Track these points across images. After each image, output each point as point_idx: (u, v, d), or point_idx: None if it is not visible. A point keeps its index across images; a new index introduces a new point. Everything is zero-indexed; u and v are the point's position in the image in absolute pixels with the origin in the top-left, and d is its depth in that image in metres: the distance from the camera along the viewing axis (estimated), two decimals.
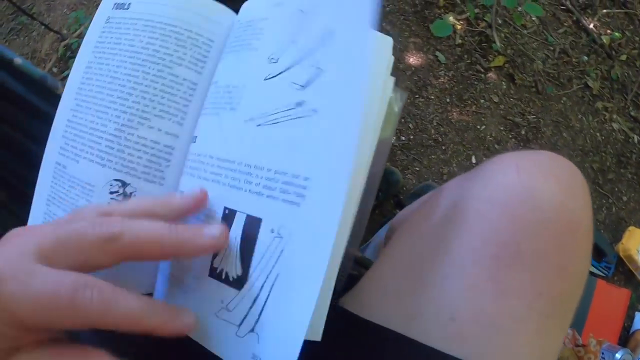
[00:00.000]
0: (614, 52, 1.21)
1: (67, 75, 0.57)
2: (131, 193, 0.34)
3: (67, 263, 0.24)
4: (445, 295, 0.31)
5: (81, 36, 1.35)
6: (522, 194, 0.31)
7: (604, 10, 1.24)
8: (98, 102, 0.36)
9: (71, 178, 0.36)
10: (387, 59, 0.31)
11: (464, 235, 0.32)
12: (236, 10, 0.38)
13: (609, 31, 1.23)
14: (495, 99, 1.10)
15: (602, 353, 0.88)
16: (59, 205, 0.36)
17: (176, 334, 0.25)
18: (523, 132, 1.09)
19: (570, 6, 1.23)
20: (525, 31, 1.18)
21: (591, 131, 1.12)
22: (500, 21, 1.18)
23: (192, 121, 0.36)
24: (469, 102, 1.09)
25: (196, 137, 0.34)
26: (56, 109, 0.54)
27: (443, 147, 1.05)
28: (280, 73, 0.30)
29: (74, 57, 0.57)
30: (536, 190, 0.31)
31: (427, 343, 0.30)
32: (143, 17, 0.37)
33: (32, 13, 1.43)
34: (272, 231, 0.27)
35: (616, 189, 1.08)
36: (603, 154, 1.11)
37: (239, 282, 0.28)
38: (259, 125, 0.30)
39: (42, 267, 0.23)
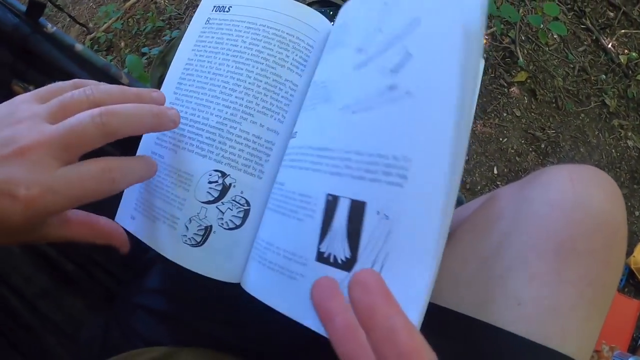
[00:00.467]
0: (630, 72, 1.25)
1: None
2: (230, 184, 0.36)
3: (78, 154, 0.30)
4: (512, 284, 0.35)
5: (108, 30, 1.36)
6: (576, 200, 0.36)
7: (622, 31, 1.29)
8: (199, 96, 0.38)
9: (167, 167, 0.38)
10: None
11: (526, 232, 0.37)
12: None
13: (626, 51, 1.27)
14: (518, 113, 1.14)
15: (614, 359, 0.93)
16: (152, 192, 0.38)
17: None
18: (543, 146, 1.13)
19: (590, 25, 1.27)
20: (547, 48, 1.22)
21: (607, 147, 1.17)
22: (523, 37, 1.22)
23: (291, 120, 0.37)
24: (492, 115, 1.13)
25: (296, 132, 0.36)
26: None
27: (466, 158, 1.08)
28: (369, 61, 0.31)
29: (101, 50, 0.58)
30: (588, 198, 0.36)
31: (497, 325, 0.34)
32: (245, 20, 0.39)
33: (58, 4, 1.44)
34: (378, 213, 0.27)
35: (629, 204, 1.13)
36: (617, 169, 1.15)
37: (348, 264, 0.28)
38: (354, 112, 0.31)
39: (64, 171, 0.29)
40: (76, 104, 0.31)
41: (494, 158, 1.10)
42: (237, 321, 0.46)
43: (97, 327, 0.52)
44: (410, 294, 0.26)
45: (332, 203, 0.30)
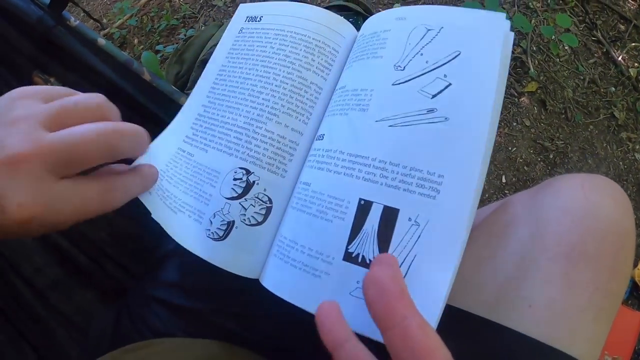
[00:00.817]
0: None
1: None
2: (254, 181, 0.37)
3: (78, 171, 0.28)
4: (524, 286, 0.36)
5: (122, 27, 1.37)
6: (588, 207, 0.37)
7: (633, 44, 1.29)
8: (230, 99, 0.39)
9: (197, 165, 0.39)
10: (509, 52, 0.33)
11: (539, 237, 0.37)
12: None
13: (636, 64, 1.27)
14: (527, 123, 1.15)
15: None
16: (176, 185, 0.39)
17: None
18: (551, 156, 1.13)
19: (601, 38, 1.27)
20: (558, 59, 1.23)
21: (614, 160, 1.17)
22: (534, 48, 1.22)
23: (315, 121, 0.38)
24: (502, 124, 1.14)
25: (323, 135, 0.37)
26: (143, 93, 0.56)
27: None
28: (408, 80, 0.34)
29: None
30: (599, 205, 0.37)
31: (507, 326, 0.35)
32: (274, 27, 0.41)
33: None
34: (410, 219, 0.30)
35: (635, 216, 1.13)
36: (624, 182, 1.15)
37: None
38: (391, 126, 0.33)
39: (63, 188, 0.26)
40: (80, 112, 0.28)
41: (503, 167, 1.10)
42: (251, 315, 0.46)
43: (107, 319, 0.53)
44: (432, 294, 0.29)
45: (364, 207, 0.32)
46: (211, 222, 0.37)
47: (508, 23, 0.32)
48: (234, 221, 0.36)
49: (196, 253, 0.37)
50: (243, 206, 0.37)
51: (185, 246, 0.37)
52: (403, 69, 0.34)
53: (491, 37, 0.32)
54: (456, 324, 0.37)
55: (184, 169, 0.39)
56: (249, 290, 0.38)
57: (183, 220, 0.38)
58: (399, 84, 0.34)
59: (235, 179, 0.37)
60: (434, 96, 0.32)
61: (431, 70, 0.33)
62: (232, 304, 0.47)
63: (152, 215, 0.38)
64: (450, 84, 0.32)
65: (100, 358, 0.39)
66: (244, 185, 0.37)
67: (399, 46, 0.35)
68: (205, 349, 0.44)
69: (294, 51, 0.39)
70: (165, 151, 0.41)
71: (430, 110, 0.32)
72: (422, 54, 0.34)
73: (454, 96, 0.32)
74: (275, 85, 0.38)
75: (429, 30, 0.34)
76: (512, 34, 0.32)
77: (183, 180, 0.39)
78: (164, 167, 0.40)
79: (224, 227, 0.37)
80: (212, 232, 0.37)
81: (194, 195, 0.38)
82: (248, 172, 0.37)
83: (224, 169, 0.37)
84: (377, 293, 0.23)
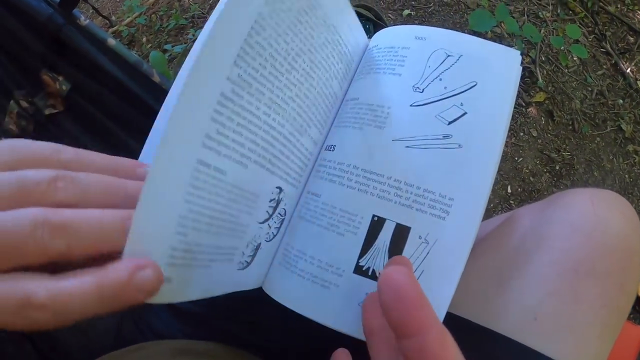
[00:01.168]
0: None
1: None
2: (281, 199, 0.33)
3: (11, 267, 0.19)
4: (529, 299, 0.36)
5: (131, 25, 1.37)
6: (597, 222, 0.37)
7: None
8: (275, 91, 0.28)
9: (233, 189, 0.26)
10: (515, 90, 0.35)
11: (546, 250, 0.38)
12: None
13: None
14: (534, 133, 1.15)
15: None
16: (208, 231, 0.25)
17: None
18: (557, 168, 1.13)
19: (610, 49, 1.27)
20: (566, 70, 1.22)
21: (620, 173, 1.16)
22: (543, 58, 1.22)
23: (327, 131, 0.36)
24: (509, 133, 1.13)
25: (334, 146, 0.36)
26: (152, 96, 0.55)
27: None
28: (426, 104, 0.34)
29: (122, 44, 0.57)
30: (608, 221, 0.37)
31: (512, 338, 0.35)
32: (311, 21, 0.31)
33: None
34: (420, 237, 0.32)
35: None
36: (630, 195, 1.15)
37: None
38: (408, 147, 0.33)
39: None
40: (42, 195, 0.20)
41: (509, 177, 1.10)
42: (253, 320, 0.47)
43: (110, 320, 0.53)
44: (436, 306, 0.29)
45: (377, 223, 0.33)
46: (243, 254, 0.31)
47: (520, 59, 0.34)
48: (260, 243, 0.33)
49: (226, 292, 0.30)
50: (269, 225, 0.33)
51: (213, 295, 0.29)
52: (422, 92, 0.35)
53: (506, 73, 0.34)
54: (461, 334, 0.37)
55: (214, 202, 0.25)
56: (252, 296, 0.38)
57: (216, 268, 0.28)
58: (417, 105, 0.34)
59: (270, 200, 0.31)
60: (450, 123, 0.33)
61: (449, 97, 0.34)
62: (233, 309, 0.47)
63: (157, 301, 0.22)
64: (465, 113, 0.33)
65: (101, 358, 0.39)
66: (274, 205, 0.33)
67: (419, 67, 0.36)
68: (206, 351, 0.44)
69: (333, 53, 0.34)
70: (174, 178, 0.22)
71: (446, 136, 0.33)
72: (441, 79, 0.35)
73: (469, 125, 0.33)
74: (317, 92, 0.32)
75: (449, 56, 0.35)
76: (520, 68, 0.35)
77: (214, 217, 0.25)
78: (186, 205, 0.23)
79: (253, 253, 0.32)
80: (241, 262, 0.31)
81: (228, 232, 0.27)
82: (280, 191, 0.33)
83: (263, 190, 0.29)
84: (394, 299, 0.21)
